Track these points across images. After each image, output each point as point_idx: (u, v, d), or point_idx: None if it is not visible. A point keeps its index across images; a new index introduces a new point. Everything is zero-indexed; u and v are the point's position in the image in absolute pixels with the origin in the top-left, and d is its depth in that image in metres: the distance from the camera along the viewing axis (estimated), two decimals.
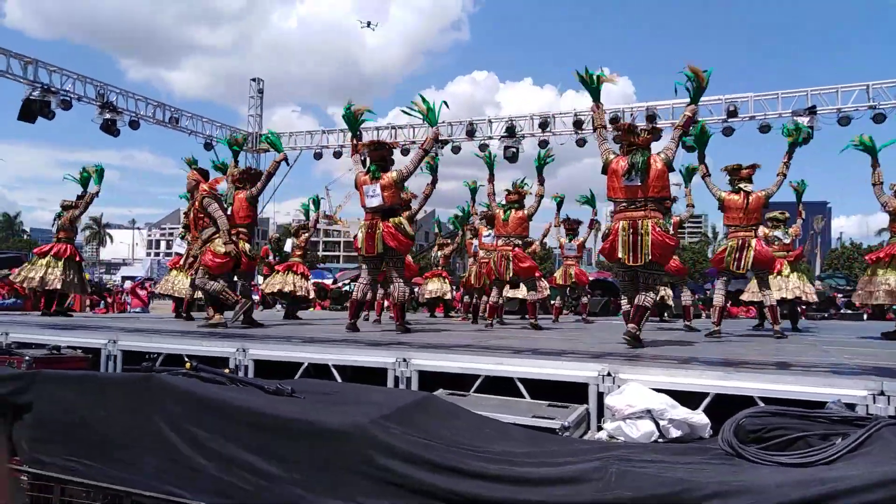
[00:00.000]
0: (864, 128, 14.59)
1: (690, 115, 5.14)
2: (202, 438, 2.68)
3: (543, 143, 16.76)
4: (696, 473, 2.10)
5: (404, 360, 3.82)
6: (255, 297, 11.26)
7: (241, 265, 6.91)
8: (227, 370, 3.68)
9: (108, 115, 16.10)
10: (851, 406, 2.68)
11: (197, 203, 6.62)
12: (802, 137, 6.98)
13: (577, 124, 16.76)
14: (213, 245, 6.54)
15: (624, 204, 4.90)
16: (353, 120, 6.49)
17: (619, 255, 4.85)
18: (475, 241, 10.02)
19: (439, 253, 11.75)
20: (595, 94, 5.22)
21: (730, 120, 15.66)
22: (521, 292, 10.02)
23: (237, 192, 7.21)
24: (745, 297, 8.86)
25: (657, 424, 2.81)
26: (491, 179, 8.19)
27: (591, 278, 13.92)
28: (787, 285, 8.34)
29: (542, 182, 7.72)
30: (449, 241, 11.97)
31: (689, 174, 7.92)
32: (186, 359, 4.25)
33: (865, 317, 16.63)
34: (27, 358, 4.01)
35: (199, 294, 8.27)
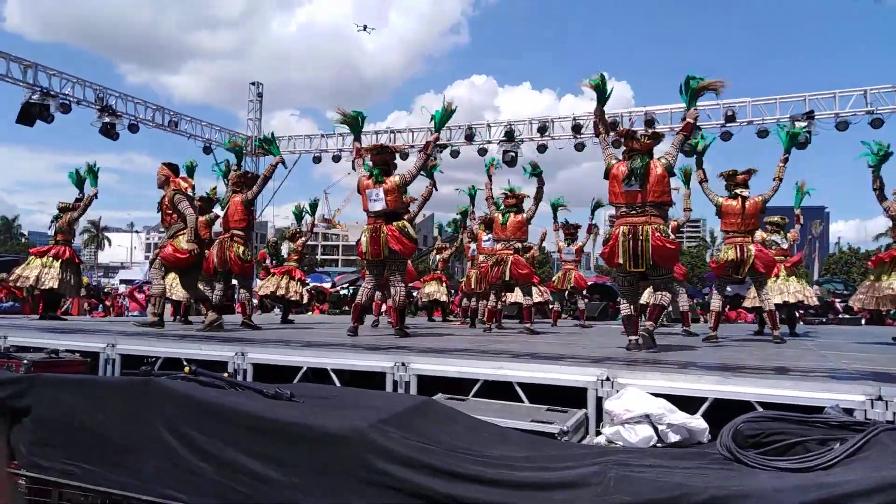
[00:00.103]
0: (861, 133, 14.66)
1: (692, 120, 5.15)
2: (201, 442, 2.68)
3: (542, 148, 16.80)
4: (694, 478, 2.10)
5: (403, 364, 3.83)
6: (254, 301, 11.27)
7: (203, 267, 6.94)
8: (225, 374, 3.68)
9: (107, 119, 16.10)
10: (849, 411, 2.69)
11: (167, 199, 6.60)
12: (800, 139, 7.00)
13: (576, 128, 16.79)
14: (176, 241, 6.55)
15: (624, 209, 4.91)
16: (354, 123, 6.50)
17: (619, 260, 4.86)
18: (473, 246, 10.04)
19: (438, 257, 11.76)
20: (602, 101, 5.24)
21: (728, 125, 15.70)
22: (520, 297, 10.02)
23: (233, 196, 7.22)
24: (747, 303, 8.86)
25: (656, 429, 2.81)
26: (488, 184, 8.21)
27: (589, 283, 13.93)
28: (789, 289, 8.34)
29: (540, 186, 7.74)
30: (447, 245, 11.98)
31: (687, 178, 7.94)
32: (185, 363, 4.27)
33: (863, 321, 16.67)
34: (25, 361, 4.02)
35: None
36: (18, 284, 8.71)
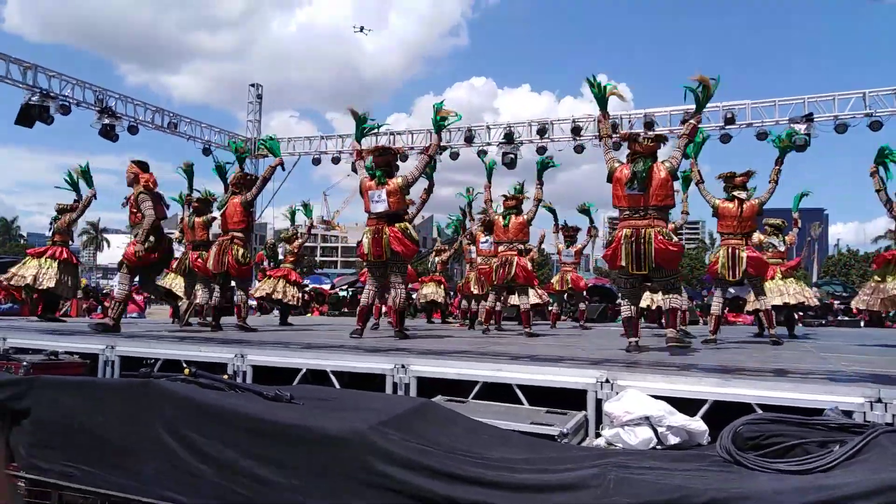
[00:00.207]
0: (860, 135, 14.68)
1: (696, 123, 5.16)
2: (201, 444, 2.68)
3: (542, 150, 16.82)
4: (694, 480, 2.10)
5: (403, 366, 3.83)
6: (252, 303, 11.26)
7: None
8: (225, 376, 3.68)
9: (106, 121, 16.12)
10: (849, 413, 2.69)
11: (133, 196, 6.52)
12: (796, 144, 6.99)
13: (575, 131, 16.82)
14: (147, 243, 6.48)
15: (627, 212, 4.91)
16: (360, 125, 6.50)
17: (622, 263, 4.86)
18: (472, 248, 10.04)
19: (437, 259, 11.77)
20: (602, 104, 5.25)
21: (727, 127, 15.73)
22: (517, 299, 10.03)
23: (232, 197, 7.21)
24: (749, 307, 8.86)
25: (655, 431, 2.81)
26: (488, 186, 8.21)
27: (588, 284, 13.93)
28: (788, 290, 8.33)
29: (540, 186, 7.74)
30: (446, 247, 11.98)
31: (685, 181, 7.95)
32: (185, 364, 4.27)
33: (863, 324, 16.69)
34: (25, 363, 4.01)
35: (198, 299, 8.27)
36: (13, 283, 8.62)
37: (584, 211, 10.30)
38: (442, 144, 16.71)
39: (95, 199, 8.73)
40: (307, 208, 10.17)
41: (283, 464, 2.55)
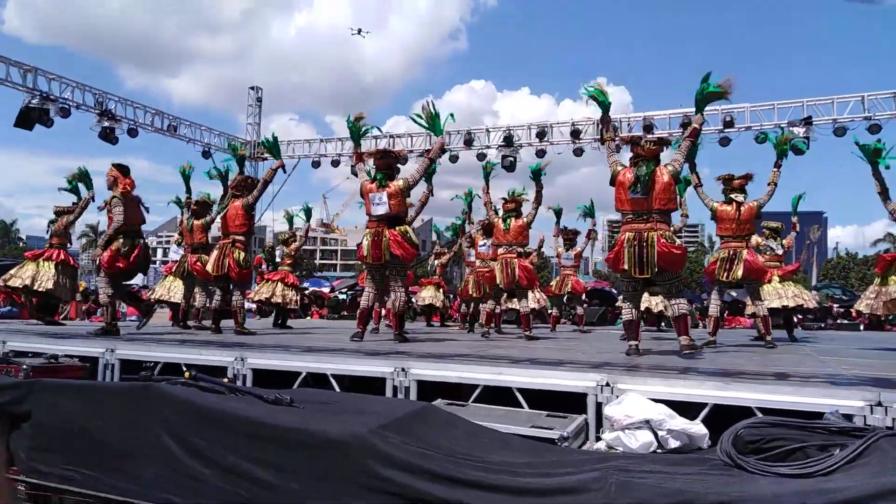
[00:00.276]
0: (859, 138, 14.67)
1: (698, 126, 5.15)
2: (201, 448, 2.68)
3: (541, 153, 16.82)
4: (695, 484, 2.10)
5: (403, 369, 3.83)
6: (252, 306, 11.25)
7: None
8: (225, 379, 3.68)
9: (106, 123, 16.10)
10: (849, 417, 2.69)
11: (109, 200, 6.52)
12: (791, 145, 6.96)
13: (575, 134, 16.81)
14: (113, 246, 6.47)
15: (630, 216, 4.91)
16: (356, 129, 6.50)
17: (625, 266, 4.85)
18: (471, 251, 10.03)
19: (436, 262, 11.77)
20: (604, 109, 5.24)
21: (726, 130, 15.74)
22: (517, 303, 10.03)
23: (234, 200, 7.20)
24: (748, 310, 8.86)
25: (656, 435, 2.81)
26: (486, 189, 8.20)
27: (588, 288, 13.93)
28: (787, 293, 8.33)
29: (539, 190, 7.75)
30: (446, 250, 11.98)
31: (684, 184, 7.95)
32: (185, 368, 4.26)
33: (862, 327, 16.69)
34: (25, 367, 4.01)
35: (196, 302, 8.26)
36: (10, 284, 8.59)
37: (590, 212, 10.29)
38: (443, 147, 16.76)
39: (94, 201, 8.67)
40: (307, 212, 10.17)
41: (284, 467, 2.56)
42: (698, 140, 6.46)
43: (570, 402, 3.43)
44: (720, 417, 2.95)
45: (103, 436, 2.94)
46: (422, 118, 6.34)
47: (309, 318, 17.15)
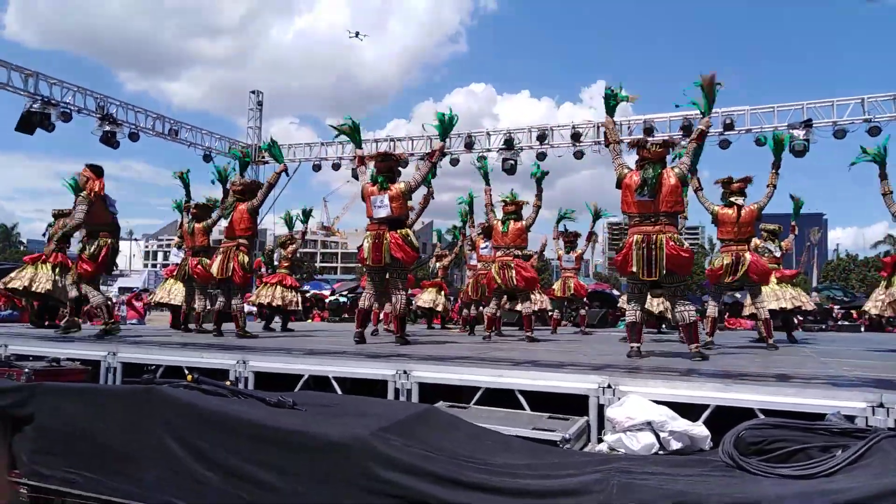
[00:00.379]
0: (859, 141, 14.69)
1: (704, 128, 5.14)
2: (204, 451, 2.69)
3: (541, 156, 16.84)
4: (697, 485, 2.11)
5: (405, 372, 3.83)
6: (253, 309, 11.25)
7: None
8: (227, 382, 3.68)
9: (107, 128, 16.11)
10: (851, 418, 2.69)
11: (76, 198, 6.56)
12: (795, 149, 6.94)
13: (575, 136, 16.83)
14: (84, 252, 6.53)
15: (638, 218, 4.90)
16: (351, 133, 6.52)
17: (633, 268, 4.83)
18: (472, 254, 10.04)
19: (437, 264, 11.77)
20: (611, 111, 5.25)
21: (726, 133, 15.75)
22: (519, 304, 10.02)
23: (238, 204, 7.21)
24: (746, 311, 8.86)
25: (657, 436, 2.82)
26: (488, 189, 8.20)
27: (588, 290, 13.92)
28: (785, 295, 8.34)
29: (539, 193, 7.76)
30: (447, 252, 11.98)
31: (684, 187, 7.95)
32: (187, 371, 4.26)
33: (863, 328, 16.68)
34: (27, 370, 4.01)
35: (197, 305, 8.26)
36: (10, 286, 8.60)
37: (597, 215, 10.29)
38: (444, 151, 16.79)
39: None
40: (305, 214, 10.17)
41: (286, 470, 2.56)
42: (704, 143, 6.48)
43: (571, 404, 3.43)
44: (722, 419, 2.95)
45: (106, 439, 2.95)
46: (439, 124, 6.38)
47: (310, 320, 17.17)
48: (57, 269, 8.59)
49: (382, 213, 6.14)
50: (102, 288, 7.72)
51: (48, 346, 5.33)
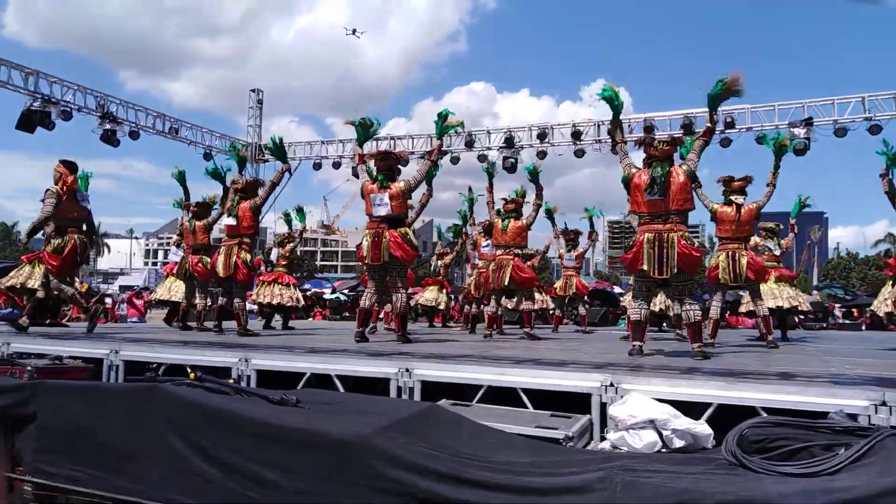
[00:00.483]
0: (860, 139, 14.70)
1: (711, 125, 5.12)
2: (207, 448, 2.69)
3: (542, 154, 16.84)
4: (700, 483, 2.11)
5: (407, 370, 3.84)
6: (254, 308, 11.26)
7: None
8: (230, 380, 3.69)
9: (108, 126, 16.12)
10: (854, 416, 2.70)
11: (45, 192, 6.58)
12: (795, 148, 6.94)
13: (575, 135, 16.84)
14: (49, 246, 6.56)
15: (647, 217, 4.88)
16: (363, 131, 6.53)
17: (644, 267, 4.81)
18: (475, 253, 10.04)
19: (439, 263, 11.78)
20: (616, 110, 5.25)
21: (727, 131, 15.74)
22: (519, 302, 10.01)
23: (241, 202, 7.21)
24: (742, 308, 8.88)
25: (660, 434, 2.82)
26: (490, 189, 8.21)
27: (589, 288, 13.93)
28: (782, 294, 8.35)
29: (539, 192, 7.76)
30: (448, 250, 11.99)
31: None
32: (189, 369, 4.26)
33: (864, 327, 16.70)
34: (29, 368, 4.02)
35: (197, 303, 8.27)
36: (7, 284, 8.61)
37: (589, 218, 10.33)
38: (443, 149, 16.77)
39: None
40: (301, 212, 10.18)
41: (289, 468, 2.56)
42: (711, 139, 6.46)
43: (573, 403, 3.44)
44: (724, 417, 2.95)
45: (109, 437, 2.95)
46: (444, 123, 6.39)
47: (311, 318, 17.18)
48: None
49: (382, 211, 6.15)
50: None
51: (50, 343, 5.34)
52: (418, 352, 5.01)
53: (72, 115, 15.47)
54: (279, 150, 7.54)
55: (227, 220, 7.18)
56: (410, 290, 10.06)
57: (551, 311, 11.36)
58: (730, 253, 6.47)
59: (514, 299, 8.42)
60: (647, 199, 4.84)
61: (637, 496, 2.08)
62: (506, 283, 7.38)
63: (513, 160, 17.15)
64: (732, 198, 6.59)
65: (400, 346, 5.68)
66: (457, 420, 2.96)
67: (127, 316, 17.61)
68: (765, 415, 2.87)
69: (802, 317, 12.34)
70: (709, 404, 3.10)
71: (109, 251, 77.54)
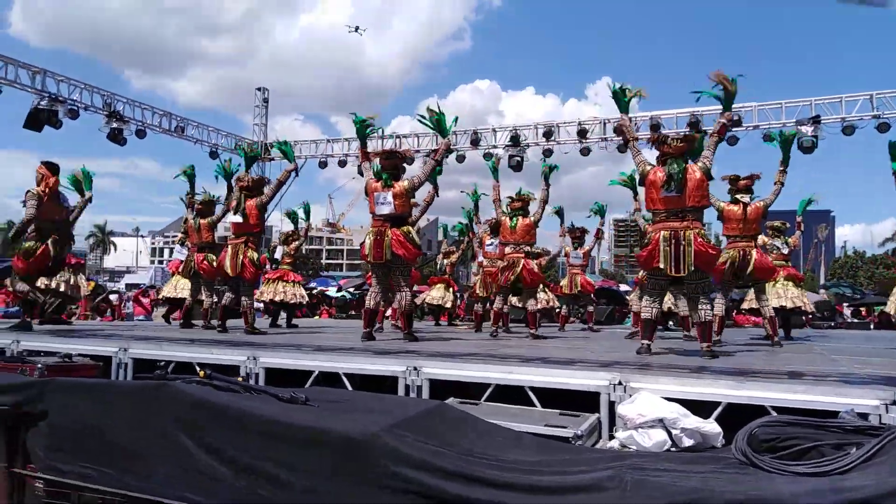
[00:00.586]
0: (868, 137, 14.63)
1: (726, 122, 5.10)
2: (217, 446, 2.70)
3: (548, 152, 16.81)
4: (710, 482, 2.10)
5: (415, 368, 3.84)
6: (259, 306, 11.29)
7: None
8: (239, 378, 3.70)
9: (115, 125, 16.18)
10: (864, 416, 2.68)
11: (26, 194, 6.70)
12: (803, 145, 6.88)
13: (581, 133, 16.81)
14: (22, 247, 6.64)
15: (664, 214, 4.85)
16: (363, 129, 6.55)
17: (661, 265, 4.78)
18: (481, 251, 10.03)
19: (445, 261, 11.78)
20: (624, 107, 5.23)
21: (734, 129, 15.66)
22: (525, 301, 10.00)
23: (248, 200, 7.22)
24: (745, 305, 8.85)
25: (669, 433, 2.82)
26: (496, 185, 8.19)
27: (595, 287, 13.90)
28: (787, 294, 8.33)
29: (546, 188, 7.75)
30: (454, 248, 11.99)
31: None
32: (198, 367, 4.28)
33: (872, 326, 16.61)
34: (39, 366, 4.04)
35: (203, 297, 8.30)
36: (18, 289, 8.66)
37: (599, 212, 10.28)
38: (449, 147, 16.76)
39: (91, 202, 8.65)
40: (306, 210, 10.21)
41: (299, 466, 2.56)
42: (725, 136, 6.41)
43: (579, 401, 3.44)
44: (733, 416, 2.95)
45: (119, 434, 2.96)
46: (426, 119, 6.38)
47: (317, 317, 17.22)
48: (69, 268, 8.63)
49: (385, 209, 6.17)
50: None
51: (60, 341, 5.37)
52: (425, 350, 5.02)
53: (79, 113, 15.53)
54: (287, 150, 7.57)
55: (234, 218, 7.18)
56: (415, 289, 10.08)
57: (557, 310, 11.34)
58: (739, 251, 6.45)
59: (521, 297, 8.41)
60: (664, 196, 4.80)
61: (647, 495, 2.08)
62: (516, 281, 7.36)
63: (518, 158, 17.13)
64: (738, 197, 6.57)
65: (406, 345, 5.69)
66: (465, 418, 2.96)
67: (133, 314, 17.68)
68: (774, 414, 2.86)
69: (810, 315, 12.28)
70: (718, 403, 3.10)
71: (116, 249, 77.86)
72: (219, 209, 8.16)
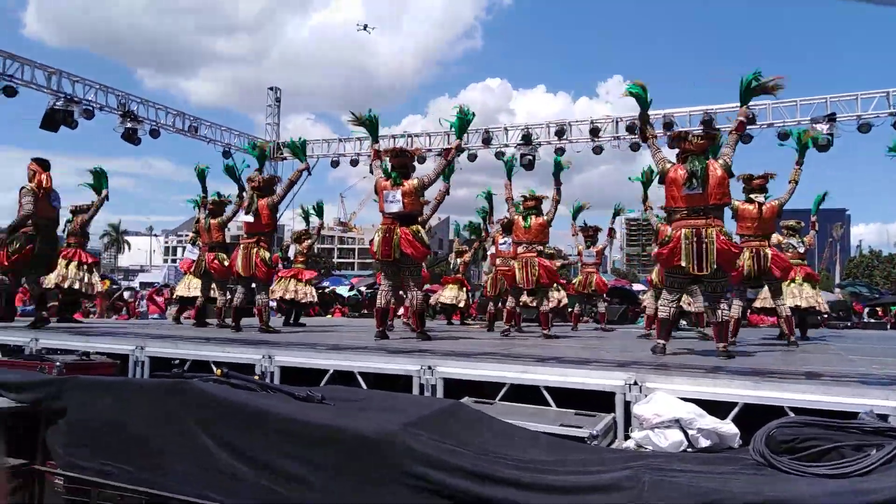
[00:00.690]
0: (885, 135, 14.43)
1: (744, 119, 5.05)
2: (235, 444, 2.72)
3: (560, 151, 16.75)
4: (728, 483, 2.10)
5: (429, 367, 3.85)
6: (272, 305, 11.35)
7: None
8: (255, 377, 3.73)
9: (129, 124, 16.31)
10: (884, 417, 2.66)
11: (20, 190, 6.69)
12: (819, 143, 6.85)
13: (593, 132, 16.74)
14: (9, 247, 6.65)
15: (685, 212, 4.79)
16: (369, 125, 6.57)
17: (682, 263, 4.72)
18: (492, 249, 10.02)
19: (458, 260, 11.78)
20: (645, 104, 5.20)
21: (748, 127, 15.55)
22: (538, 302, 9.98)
23: (259, 199, 7.25)
24: (757, 304, 8.78)
25: (686, 434, 2.80)
26: (509, 184, 8.17)
27: (608, 286, 13.84)
28: (802, 293, 8.25)
29: (558, 187, 7.73)
30: (466, 247, 11.98)
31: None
32: (214, 365, 4.32)
33: (889, 326, 16.43)
34: (58, 364, 4.09)
35: (217, 300, 8.35)
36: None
37: (617, 213, 10.27)
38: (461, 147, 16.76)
39: (108, 200, 8.72)
40: (319, 209, 10.24)
41: (316, 464, 2.58)
42: (744, 133, 6.36)
43: (594, 401, 3.43)
44: (750, 417, 2.93)
45: (139, 432, 2.99)
46: (455, 115, 6.38)
47: (330, 315, 17.28)
48: (78, 266, 8.73)
49: (394, 208, 6.18)
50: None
51: (78, 340, 5.43)
52: (439, 349, 5.02)
53: (94, 114, 15.67)
54: (299, 150, 7.59)
55: (246, 218, 7.22)
56: (426, 288, 10.08)
57: (570, 309, 11.30)
58: (754, 250, 6.41)
59: (535, 297, 8.39)
60: (686, 194, 4.75)
61: (664, 495, 2.07)
62: (535, 281, 7.34)
63: (530, 157, 17.08)
64: (752, 196, 6.52)
65: (420, 344, 5.70)
66: (480, 417, 2.97)
67: (148, 312, 17.80)
68: (792, 415, 2.84)
69: (826, 315, 12.16)
70: (735, 404, 3.08)
71: (130, 248, 78.54)
72: (229, 209, 8.21)
